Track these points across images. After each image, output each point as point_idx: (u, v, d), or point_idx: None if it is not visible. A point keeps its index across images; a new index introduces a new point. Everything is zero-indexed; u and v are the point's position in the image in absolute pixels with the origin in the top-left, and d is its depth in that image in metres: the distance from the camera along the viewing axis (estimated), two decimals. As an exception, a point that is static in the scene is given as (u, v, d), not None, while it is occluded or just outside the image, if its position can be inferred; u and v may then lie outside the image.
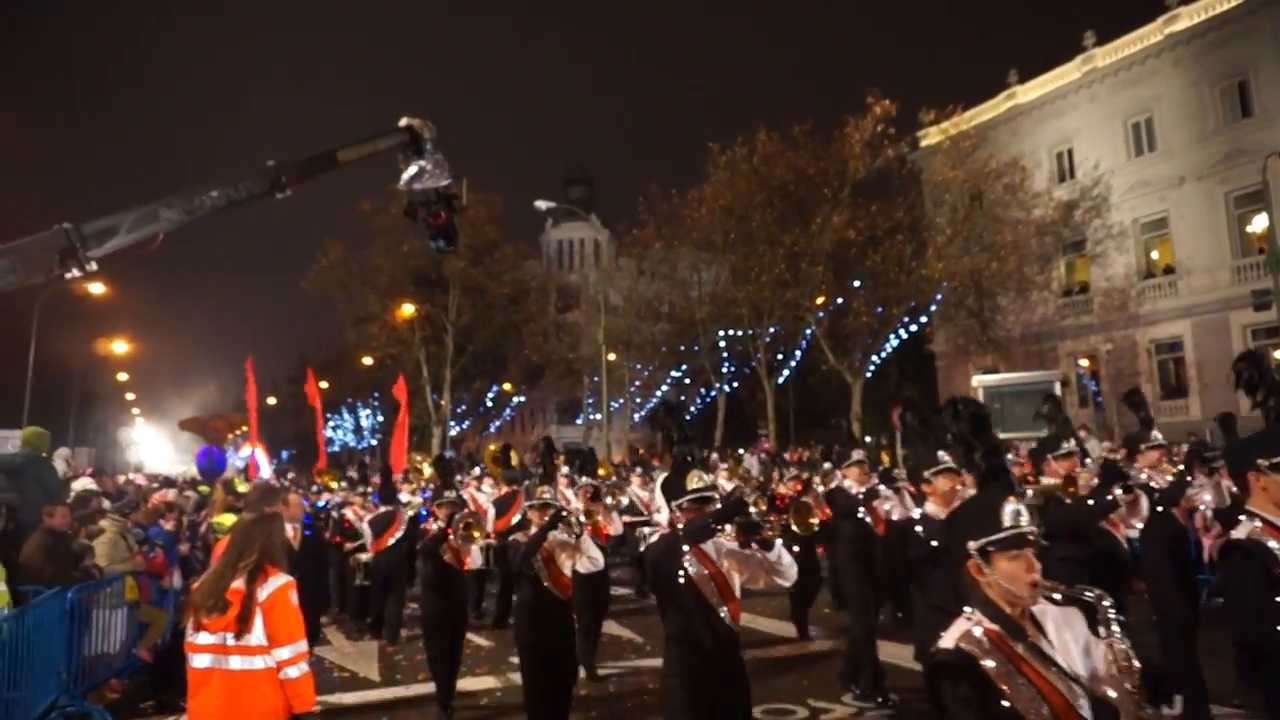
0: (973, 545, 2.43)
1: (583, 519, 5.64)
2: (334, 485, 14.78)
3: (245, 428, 40.24)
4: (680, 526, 4.07)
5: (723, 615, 3.99)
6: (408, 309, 33.61)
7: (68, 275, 2.03)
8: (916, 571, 5.04)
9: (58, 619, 6.69)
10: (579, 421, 46.18)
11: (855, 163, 25.66)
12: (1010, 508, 2.44)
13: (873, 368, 28.23)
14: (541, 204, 27.96)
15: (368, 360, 37.61)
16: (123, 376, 41.96)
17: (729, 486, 11.03)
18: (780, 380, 30.79)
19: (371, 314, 35.08)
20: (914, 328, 28.12)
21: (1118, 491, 5.14)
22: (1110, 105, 28.67)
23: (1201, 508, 5.85)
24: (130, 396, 47.79)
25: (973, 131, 28.11)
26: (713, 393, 33.61)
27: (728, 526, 3.92)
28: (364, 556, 10.42)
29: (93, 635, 7.43)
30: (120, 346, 32.65)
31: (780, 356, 30.56)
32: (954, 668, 2.31)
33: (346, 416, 51.40)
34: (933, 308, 27.67)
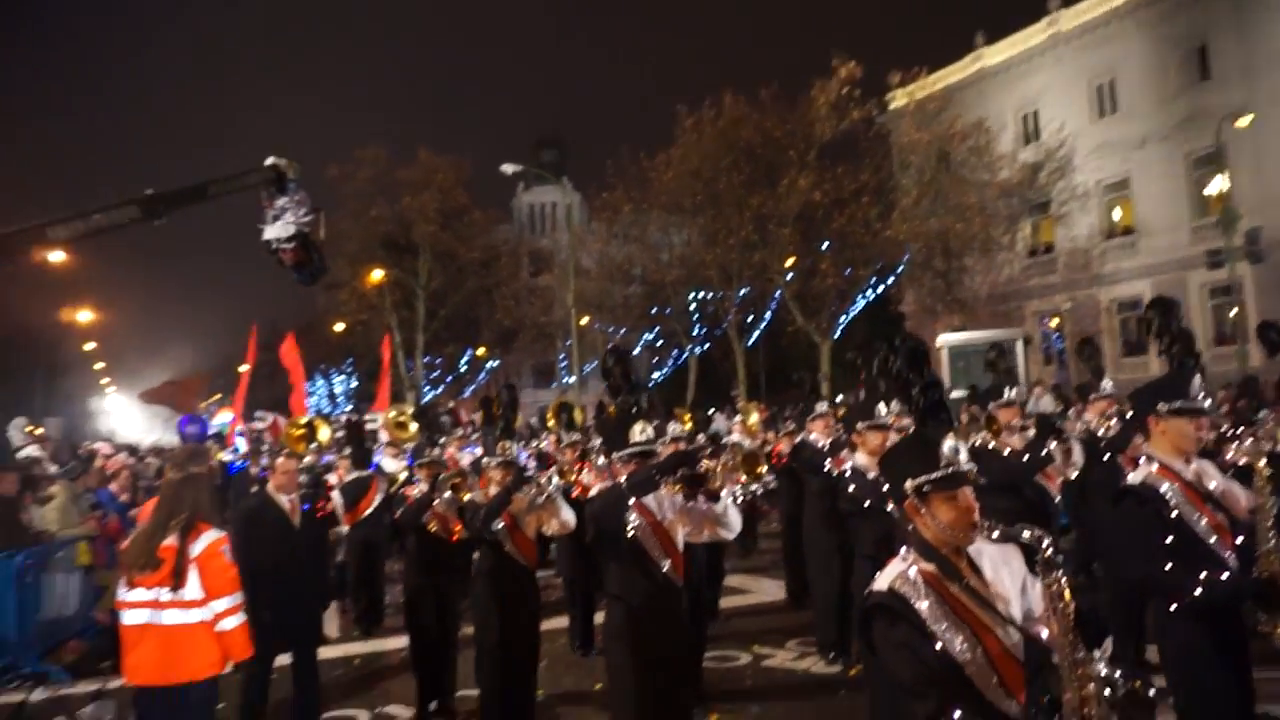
0: (909, 484, 2.31)
1: (555, 479, 5.15)
2: (301, 448, 14.52)
3: (218, 395, 39.88)
4: (623, 479, 3.87)
5: (665, 569, 3.86)
6: (377, 274, 33.38)
7: None
8: (847, 524, 5.05)
9: (8, 583, 6.78)
10: (554, 385, 46.27)
11: (821, 125, 25.68)
12: (949, 445, 2.34)
13: (840, 328, 28.52)
14: (508, 168, 27.69)
15: (339, 326, 37.36)
16: (89, 346, 41.42)
17: (746, 443, 10.74)
18: (750, 341, 31.04)
19: (341, 280, 34.79)
20: (881, 289, 28.38)
21: (1051, 445, 5.25)
22: (1075, 67, 28.79)
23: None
24: (99, 366, 47.23)
25: (939, 94, 28.20)
26: (684, 355, 33.84)
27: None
28: (341, 529, 9.33)
29: (49, 599, 7.54)
30: (85, 315, 32.23)
31: (750, 318, 30.77)
32: (887, 609, 2.22)
33: (320, 383, 51.10)
34: (900, 269, 27.92)
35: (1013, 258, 28.98)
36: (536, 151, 56.47)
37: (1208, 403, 3.53)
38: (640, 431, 3.90)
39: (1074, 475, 5.62)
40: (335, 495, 8.90)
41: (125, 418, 49.53)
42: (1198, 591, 2.99)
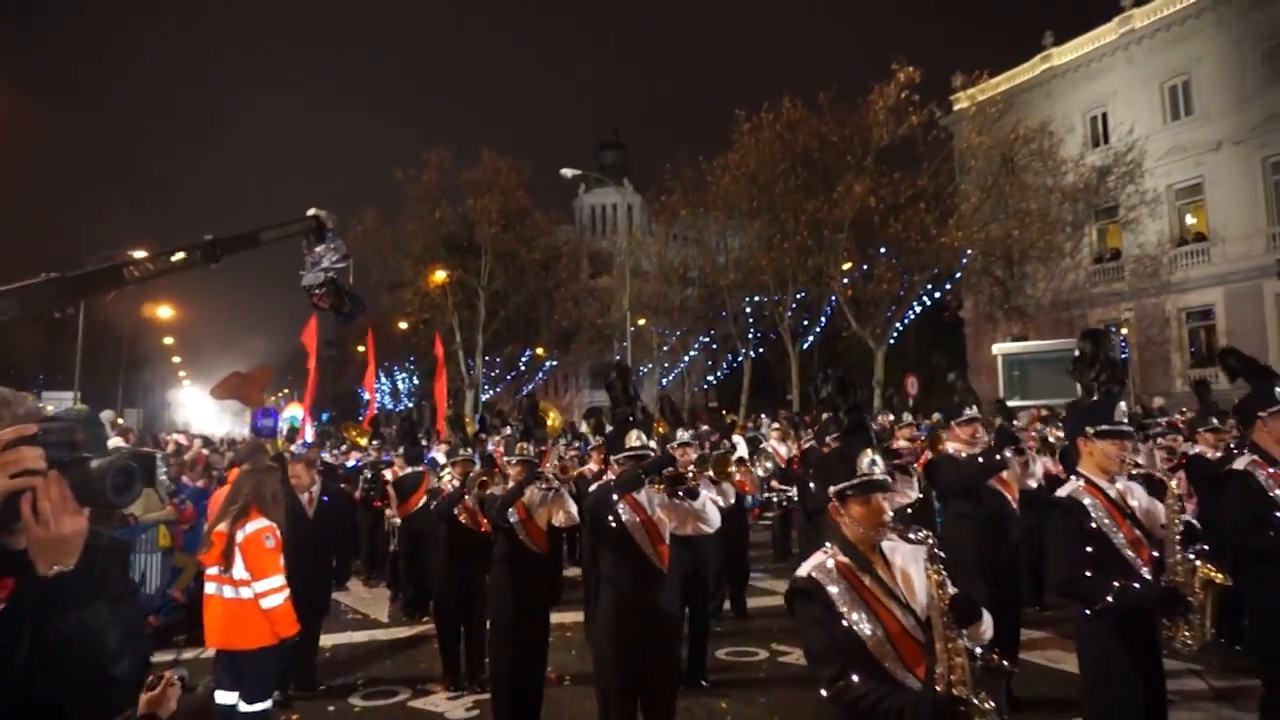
0: (832, 490, 2.73)
1: (552, 475, 5.62)
2: (363, 442, 15.30)
3: (286, 390, 41.19)
4: (612, 478, 4.49)
5: (651, 558, 4.35)
6: (440, 275, 34.33)
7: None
8: (813, 522, 5.38)
9: (97, 560, 7.48)
10: (611, 386, 46.72)
11: (879, 130, 25.58)
12: (866, 459, 2.70)
13: (895, 335, 28.34)
14: (568, 171, 28.28)
15: (403, 325, 38.51)
16: (169, 340, 43.56)
17: (782, 449, 11.09)
18: (805, 346, 31.04)
19: (405, 279, 35.87)
20: (938, 295, 28.10)
21: (1007, 453, 5.54)
22: (1147, 67, 28.03)
23: (1134, 470, 6.15)
24: (176, 360, 49.58)
25: (1000, 97, 27.79)
26: (739, 358, 34.00)
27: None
28: (396, 520, 9.91)
29: (131, 577, 8.26)
30: (165, 312, 34.00)
31: (806, 323, 30.79)
32: (805, 592, 2.62)
33: (384, 380, 52.62)
34: (957, 275, 27.62)
35: (1077, 265, 28.40)
36: (598, 153, 57.23)
37: (1130, 427, 3.77)
38: (635, 438, 4.49)
39: (1033, 484, 5.88)
40: (390, 489, 9.57)
41: (199, 409, 51.83)
42: (1109, 598, 3.26)
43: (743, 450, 10.66)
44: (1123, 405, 3.64)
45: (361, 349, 32.17)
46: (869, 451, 2.73)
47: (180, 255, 2.55)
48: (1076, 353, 3.93)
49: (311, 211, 3.02)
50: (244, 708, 4.53)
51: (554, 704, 5.83)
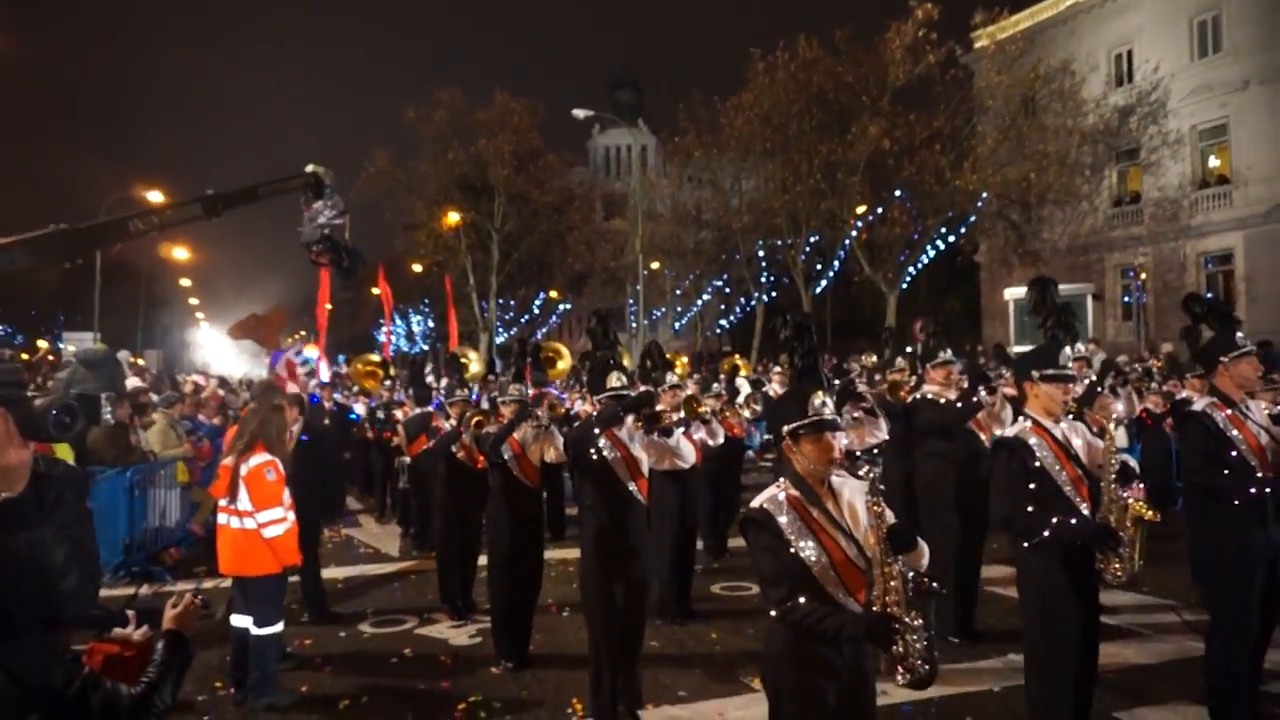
0: (786, 429, 2.89)
1: (542, 414, 5.87)
2: (378, 378, 15.45)
3: (303, 332, 41.72)
4: (594, 413, 4.82)
5: (631, 490, 4.65)
6: (453, 217, 34.27)
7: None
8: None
9: (120, 494, 7.85)
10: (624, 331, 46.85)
11: (896, 69, 25.07)
12: (818, 400, 2.86)
13: (908, 279, 28.19)
14: (580, 112, 27.80)
15: (417, 267, 38.63)
16: (185, 282, 43.96)
17: (779, 390, 11.46)
18: (818, 290, 30.95)
19: (418, 221, 35.87)
20: (952, 239, 27.82)
21: (982, 393, 5.72)
22: (1177, 1, 27.18)
23: (1115, 415, 6.30)
24: (194, 301, 50.08)
25: (1021, 35, 27.06)
26: (752, 302, 33.98)
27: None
28: (406, 460, 10.04)
29: (153, 511, 8.65)
30: (181, 254, 34.27)
31: (819, 267, 30.63)
32: (757, 522, 2.81)
33: (399, 322, 53.01)
34: (972, 219, 27.29)
35: (1095, 208, 27.95)
36: (613, 92, 56.38)
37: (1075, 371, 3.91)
38: (615, 379, 4.75)
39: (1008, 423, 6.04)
40: (400, 428, 9.89)
41: (217, 350, 52.41)
42: (1047, 532, 3.46)
43: (746, 393, 10.86)
44: (1067, 350, 3.78)
45: (376, 292, 32.36)
46: (820, 393, 2.89)
47: (184, 208, 2.70)
48: (1028, 300, 4.04)
49: (310, 168, 3.10)
50: (255, 631, 4.86)
51: (551, 633, 6.17)
